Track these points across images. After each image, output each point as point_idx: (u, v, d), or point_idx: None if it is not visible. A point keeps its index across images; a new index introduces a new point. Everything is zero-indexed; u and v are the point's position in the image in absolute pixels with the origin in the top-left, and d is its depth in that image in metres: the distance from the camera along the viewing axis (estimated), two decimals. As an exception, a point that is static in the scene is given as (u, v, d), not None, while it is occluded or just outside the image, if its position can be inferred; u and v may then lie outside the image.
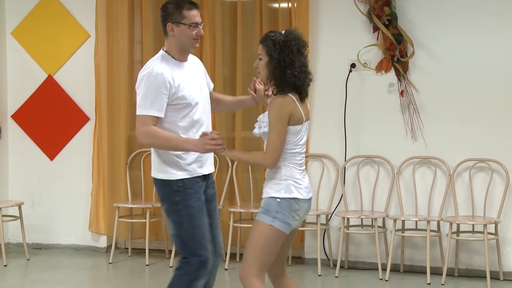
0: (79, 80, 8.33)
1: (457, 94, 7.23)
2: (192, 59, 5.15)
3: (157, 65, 4.83)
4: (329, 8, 7.54)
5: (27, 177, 8.47)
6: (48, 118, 8.41)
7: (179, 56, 4.95)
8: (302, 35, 4.60)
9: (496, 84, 7.13)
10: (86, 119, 8.34)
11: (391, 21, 7.25)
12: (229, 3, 7.88)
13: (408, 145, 7.39)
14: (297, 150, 4.61)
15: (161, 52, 4.95)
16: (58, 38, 8.36)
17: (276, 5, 7.73)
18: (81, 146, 8.33)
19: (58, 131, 8.43)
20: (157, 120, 4.79)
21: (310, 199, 4.59)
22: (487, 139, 7.16)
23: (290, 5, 7.63)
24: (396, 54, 7.28)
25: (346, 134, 7.51)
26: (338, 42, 7.49)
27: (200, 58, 5.37)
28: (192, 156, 4.90)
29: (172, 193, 4.92)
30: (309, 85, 4.60)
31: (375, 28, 7.34)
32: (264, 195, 4.60)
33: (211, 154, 5.01)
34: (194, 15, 4.88)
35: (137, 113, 4.80)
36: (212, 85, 5.28)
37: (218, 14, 7.76)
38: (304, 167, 4.59)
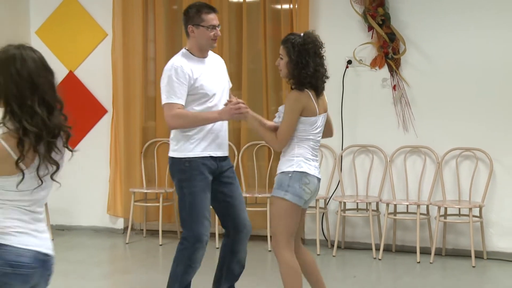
0: (98, 75, 8.35)
1: (445, 88, 7.23)
2: (214, 56, 5.32)
3: (177, 60, 5.01)
4: (327, 9, 7.54)
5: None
6: (69, 110, 8.20)
7: (199, 53, 5.10)
8: (319, 36, 4.69)
9: (481, 80, 7.11)
10: (104, 111, 8.37)
11: (385, 21, 7.27)
12: (235, 4, 7.86)
13: (400, 135, 7.40)
14: (311, 137, 4.73)
15: (183, 50, 5.13)
16: (78, 37, 8.40)
17: (279, 6, 7.70)
18: (100, 136, 8.37)
19: (79, 123, 8.26)
20: (179, 107, 4.93)
21: (319, 179, 4.70)
22: (473, 130, 7.17)
23: (291, 6, 7.63)
24: (389, 51, 7.31)
25: (343, 125, 7.50)
26: (335, 40, 7.34)
27: (209, 54, 5.46)
28: (201, 139, 5.03)
29: (179, 170, 5.08)
30: (325, 82, 4.71)
31: (370, 28, 7.35)
32: (278, 172, 4.75)
33: (224, 140, 5.17)
34: (211, 18, 5.06)
35: (162, 103, 4.99)
36: (230, 84, 5.44)
37: (225, 14, 7.74)
38: (317, 153, 4.75)
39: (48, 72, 2.97)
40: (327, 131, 4.94)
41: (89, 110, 8.41)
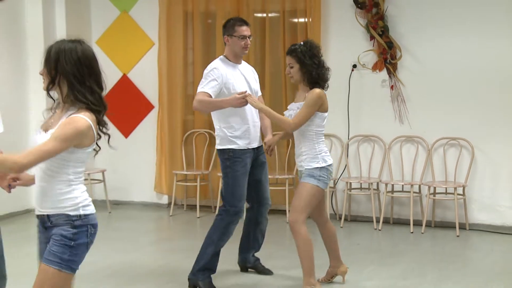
0: (146, 77, 8.34)
1: (434, 88, 7.19)
2: (247, 66, 5.33)
3: (215, 63, 5.07)
4: (335, 22, 7.49)
5: (109, 150, 8.38)
6: (123, 106, 8.40)
7: (234, 60, 5.13)
8: (315, 41, 4.81)
9: (464, 80, 7.06)
10: (151, 107, 8.35)
11: (384, 32, 7.20)
12: (260, 18, 7.81)
13: (396, 127, 7.35)
14: (323, 131, 4.82)
15: (221, 56, 5.17)
16: (130, 46, 8.38)
17: (295, 20, 7.66)
18: (148, 127, 8.36)
19: (131, 116, 8.46)
20: (207, 96, 4.93)
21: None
22: (458, 122, 7.12)
23: (306, 20, 7.55)
24: (387, 57, 7.25)
25: (349, 119, 7.48)
26: (342, 47, 7.43)
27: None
28: (240, 134, 5.07)
29: (224, 159, 5.11)
30: (328, 79, 4.74)
31: (371, 37, 7.29)
32: (308, 167, 4.73)
33: (257, 134, 5.20)
34: (243, 30, 5.10)
35: (197, 91, 5.01)
36: (260, 93, 5.43)
37: (251, 27, 7.56)
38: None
39: (97, 61, 3.01)
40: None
41: (139, 106, 8.41)
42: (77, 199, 2.96)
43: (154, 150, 8.29)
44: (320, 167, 4.72)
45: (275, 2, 7.65)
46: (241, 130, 5.07)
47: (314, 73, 4.61)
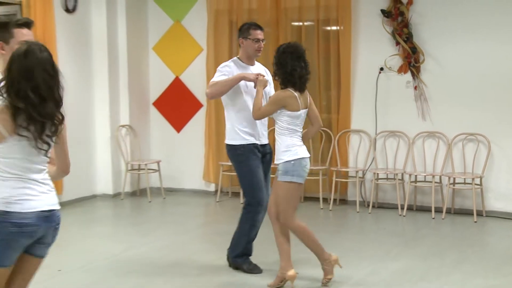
0: (196, 79, 8.32)
1: (454, 88, 7.12)
2: (260, 67, 5.09)
3: (227, 62, 4.92)
4: (365, 29, 7.45)
5: (163, 143, 8.58)
6: (176, 105, 8.45)
7: (246, 61, 4.92)
8: (302, 46, 4.51)
9: (482, 81, 6.98)
10: (200, 105, 8.34)
11: (408, 38, 7.15)
12: (296, 27, 7.77)
13: (419, 123, 7.29)
14: (297, 128, 4.50)
15: (234, 58, 4.98)
16: (182, 51, 8.36)
17: (329, 28, 7.61)
18: (197, 123, 8.35)
19: (182, 113, 8.49)
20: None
21: (309, 157, 4.50)
22: (476, 119, 7.04)
23: (338, 28, 7.52)
24: (411, 61, 7.19)
25: (376, 116, 7.44)
26: (371, 52, 7.40)
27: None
28: (250, 130, 4.86)
29: (237, 155, 4.89)
30: (304, 82, 4.42)
31: (397, 43, 7.25)
32: (280, 161, 4.47)
33: (263, 132, 4.95)
34: (257, 33, 4.86)
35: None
36: (273, 92, 5.00)
37: (289, 34, 7.68)
38: (300, 136, 4.50)
39: (46, 71, 2.69)
40: (315, 123, 4.65)
41: (189, 104, 8.39)
42: (2, 194, 2.67)
43: (202, 144, 8.28)
44: (293, 161, 4.44)
45: (310, 12, 7.58)
46: (251, 127, 4.87)
47: (278, 72, 4.42)
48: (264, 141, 4.98)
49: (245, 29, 4.89)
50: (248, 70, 4.89)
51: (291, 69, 4.39)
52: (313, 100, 4.81)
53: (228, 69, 4.83)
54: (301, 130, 4.55)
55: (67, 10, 7.51)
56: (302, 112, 4.48)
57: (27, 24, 3.20)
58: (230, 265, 5.09)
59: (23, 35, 3.13)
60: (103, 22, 7.84)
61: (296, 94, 4.38)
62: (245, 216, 4.97)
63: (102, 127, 8.00)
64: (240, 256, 5.02)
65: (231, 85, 4.72)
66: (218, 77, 4.82)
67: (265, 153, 5.00)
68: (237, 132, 4.87)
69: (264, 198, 4.88)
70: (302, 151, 4.48)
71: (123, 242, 6.00)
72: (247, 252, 5.04)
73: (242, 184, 5.00)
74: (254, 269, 4.97)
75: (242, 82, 4.79)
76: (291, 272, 4.46)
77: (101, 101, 7.96)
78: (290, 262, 4.54)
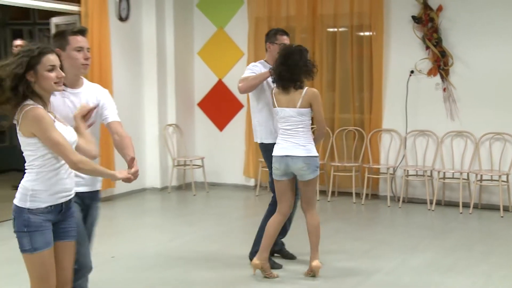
0: (237, 81, 8.07)
1: (482, 90, 7.03)
2: None
3: (256, 63, 4.89)
4: (396, 35, 7.41)
5: (207, 141, 8.64)
6: (218, 105, 8.50)
7: (272, 64, 4.73)
8: (290, 47, 4.43)
9: (508, 83, 6.89)
10: (241, 106, 8.35)
11: (438, 43, 7.09)
12: (332, 33, 7.75)
13: (448, 123, 7.23)
14: (281, 125, 4.48)
15: (261, 60, 4.93)
16: (225, 56, 8.38)
17: (362, 34, 7.58)
18: (238, 122, 8.37)
19: (224, 113, 8.52)
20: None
21: (281, 156, 4.39)
22: (503, 119, 6.95)
23: (371, 33, 7.48)
24: (441, 64, 7.13)
25: (407, 116, 7.39)
26: (402, 56, 7.37)
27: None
28: (274, 129, 4.73)
29: (269, 154, 4.69)
30: (283, 80, 4.34)
31: (427, 47, 7.19)
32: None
33: None
34: (284, 38, 4.82)
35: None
36: None
37: (324, 40, 7.67)
38: (285, 134, 4.40)
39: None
40: (317, 127, 4.55)
41: (231, 105, 8.40)
42: None
43: (243, 142, 8.29)
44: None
45: (344, 19, 7.58)
46: (273, 125, 4.77)
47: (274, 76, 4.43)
48: None
49: (272, 35, 4.86)
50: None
51: (274, 68, 4.45)
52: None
53: (256, 68, 4.81)
54: (288, 128, 4.43)
55: (121, 19, 7.65)
56: (280, 110, 4.42)
57: (82, 31, 3.25)
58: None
59: (78, 41, 3.19)
60: (153, 30, 7.95)
61: (279, 91, 4.40)
62: (270, 212, 4.81)
63: (151, 126, 8.12)
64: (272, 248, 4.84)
65: (260, 79, 4.68)
66: (247, 74, 4.79)
67: None
68: (266, 131, 4.81)
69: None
70: (280, 149, 4.44)
71: (170, 232, 6.13)
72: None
73: (271, 182, 4.80)
74: (274, 264, 4.85)
75: (265, 82, 4.76)
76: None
77: (150, 102, 8.09)
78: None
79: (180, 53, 8.26)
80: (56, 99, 3.07)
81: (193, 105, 8.66)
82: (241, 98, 8.29)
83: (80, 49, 3.20)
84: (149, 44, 7.94)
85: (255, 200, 7.87)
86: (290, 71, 4.33)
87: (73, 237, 2.95)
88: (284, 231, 4.97)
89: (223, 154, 8.50)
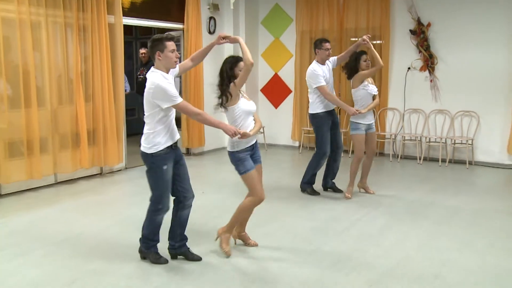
0: (288, 74, 8.33)
1: (457, 81, 7.02)
2: (328, 64, 5.02)
3: (315, 66, 4.91)
4: (398, 42, 7.39)
5: (266, 115, 8.56)
6: (275, 91, 8.48)
7: (321, 63, 4.95)
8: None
9: (476, 75, 6.85)
10: (290, 91, 8.39)
11: (427, 48, 7.14)
12: (353, 41, 7.26)
13: (433, 104, 7.20)
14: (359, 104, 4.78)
15: (314, 61, 4.97)
16: (279, 56, 8.36)
17: (374, 42, 7.28)
18: (288, 102, 8.37)
19: (278, 96, 8.51)
20: (326, 87, 4.80)
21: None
22: (470, 102, 6.87)
23: (381, 41, 7.43)
24: (429, 63, 7.16)
25: (405, 99, 7.42)
26: (402, 57, 7.39)
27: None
28: (325, 103, 4.82)
29: (316, 121, 4.77)
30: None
31: (419, 51, 7.23)
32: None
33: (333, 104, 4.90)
34: (327, 45, 4.90)
35: (314, 86, 4.82)
36: (333, 78, 4.95)
37: (348, 46, 7.10)
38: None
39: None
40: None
41: (284, 90, 8.40)
42: None
43: (291, 115, 8.28)
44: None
45: (362, 31, 7.44)
46: (325, 100, 4.80)
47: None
48: (332, 108, 4.97)
49: (319, 43, 4.93)
50: (325, 67, 4.97)
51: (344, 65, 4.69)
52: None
53: (321, 71, 4.79)
54: (363, 104, 4.73)
55: (209, 32, 7.80)
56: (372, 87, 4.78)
57: (173, 38, 3.23)
58: (301, 190, 5.28)
59: (172, 45, 3.16)
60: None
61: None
62: (314, 159, 5.03)
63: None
64: (306, 183, 5.20)
65: (337, 103, 4.76)
66: (320, 80, 4.72)
67: (333, 118, 5.04)
68: (318, 103, 4.84)
69: (328, 151, 4.90)
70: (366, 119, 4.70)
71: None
72: (311, 182, 5.18)
73: (316, 139, 4.95)
74: (314, 193, 5.10)
75: (324, 77, 4.80)
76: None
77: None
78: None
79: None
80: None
81: (257, 91, 8.66)
82: (291, 85, 8.30)
83: (173, 51, 3.19)
84: (228, 50, 7.74)
85: (299, 156, 7.83)
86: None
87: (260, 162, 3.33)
88: (332, 173, 5.14)
89: (277, 124, 8.48)
